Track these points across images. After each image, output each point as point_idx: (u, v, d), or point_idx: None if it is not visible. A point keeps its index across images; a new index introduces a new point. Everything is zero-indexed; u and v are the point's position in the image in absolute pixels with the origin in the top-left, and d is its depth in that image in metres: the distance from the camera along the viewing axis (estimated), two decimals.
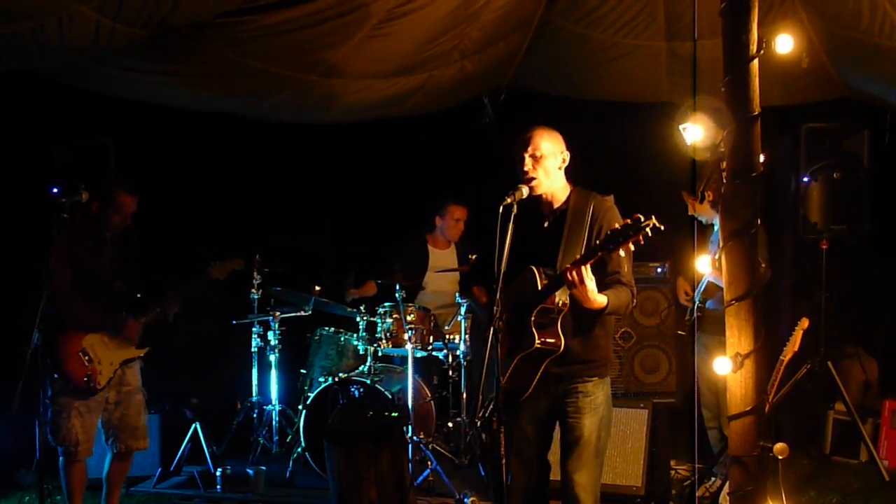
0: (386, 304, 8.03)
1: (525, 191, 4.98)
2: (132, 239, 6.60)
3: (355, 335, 8.20)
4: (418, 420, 7.67)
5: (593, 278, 4.75)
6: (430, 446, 7.58)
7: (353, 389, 7.71)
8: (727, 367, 4.67)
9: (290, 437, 8.43)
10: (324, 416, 7.49)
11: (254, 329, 8.57)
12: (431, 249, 9.00)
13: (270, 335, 8.51)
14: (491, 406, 4.98)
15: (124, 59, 6.61)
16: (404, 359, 7.84)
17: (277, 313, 8.48)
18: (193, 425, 7.93)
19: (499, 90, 8.82)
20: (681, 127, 5.73)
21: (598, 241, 4.79)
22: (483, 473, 7.56)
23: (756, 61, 4.55)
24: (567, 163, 5.15)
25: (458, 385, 8.14)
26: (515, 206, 4.84)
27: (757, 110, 4.57)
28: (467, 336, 7.93)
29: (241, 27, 6.26)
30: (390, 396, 7.64)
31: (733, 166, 4.63)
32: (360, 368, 8.02)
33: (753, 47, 4.53)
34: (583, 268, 4.69)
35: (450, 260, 8.93)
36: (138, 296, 6.55)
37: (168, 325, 6.65)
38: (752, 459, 4.68)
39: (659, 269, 7.99)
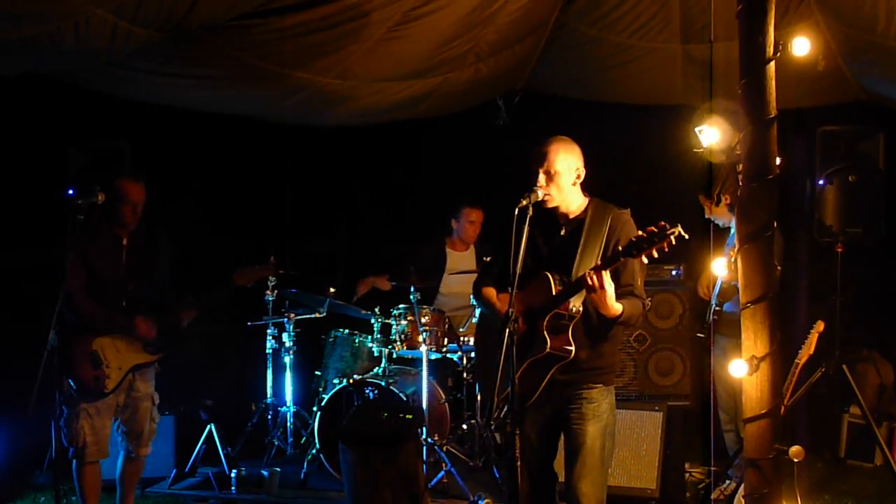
0: (401, 306, 8.04)
1: (540, 193, 4.98)
2: (160, 242, 6.56)
3: (370, 337, 8.21)
4: (433, 422, 7.67)
5: (612, 284, 4.76)
6: (444, 448, 7.59)
7: (367, 391, 7.71)
8: (743, 369, 4.66)
9: (304, 438, 8.44)
10: (338, 417, 7.51)
11: (269, 331, 8.57)
12: (449, 252, 9.00)
13: (285, 337, 8.51)
14: (505, 408, 4.97)
15: (140, 61, 6.63)
16: (419, 361, 7.85)
17: (292, 315, 8.48)
18: (208, 427, 7.94)
19: (514, 93, 8.83)
20: (696, 129, 5.72)
21: (620, 248, 4.79)
22: (497, 476, 7.55)
23: (772, 64, 4.54)
24: (582, 178, 5.15)
25: (473, 387, 8.13)
26: (531, 209, 4.85)
27: (773, 113, 4.57)
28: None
29: (256, 30, 6.27)
30: (405, 398, 7.64)
31: (749, 169, 4.63)
32: (375, 370, 8.03)
33: (770, 50, 4.53)
34: (603, 273, 4.70)
35: (468, 262, 8.92)
36: (153, 300, 6.44)
37: (180, 331, 6.59)
38: (768, 462, 4.67)
39: (674, 272, 7.96)
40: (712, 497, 6.42)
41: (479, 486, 7.35)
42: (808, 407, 7.99)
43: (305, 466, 7.79)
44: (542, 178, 5.03)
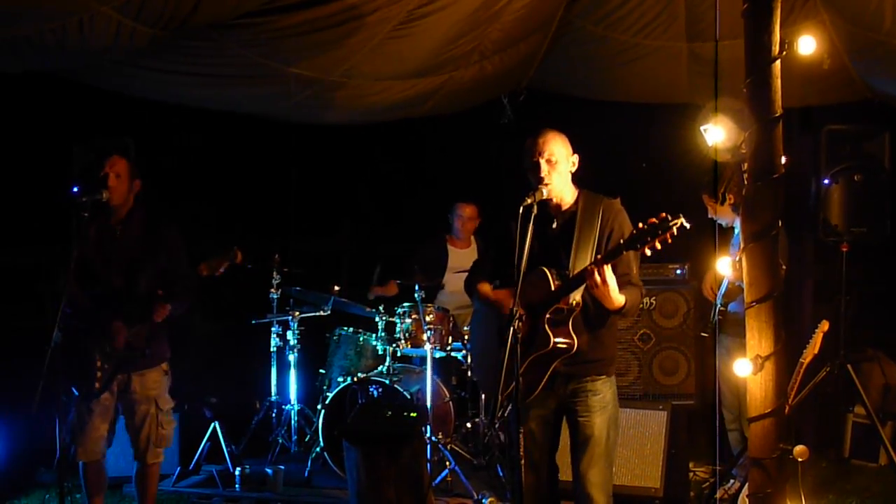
0: (405, 304, 8.04)
1: (545, 191, 4.99)
2: (161, 235, 6.32)
3: (374, 335, 8.20)
4: (437, 420, 7.67)
5: (614, 277, 4.77)
6: (448, 446, 7.59)
7: (371, 389, 7.72)
8: (747, 368, 4.65)
9: (308, 436, 8.44)
10: (342, 415, 7.51)
11: (273, 329, 8.57)
12: (451, 249, 9.01)
13: (289, 335, 8.51)
14: (509, 406, 4.98)
15: (145, 59, 6.63)
16: (423, 359, 7.85)
17: (297, 313, 8.48)
18: (212, 424, 7.94)
19: (518, 91, 8.82)
20: (702, 128, 5.72)
21: (622, 240, 4.80)
22: (501, 474, 7.55)
23: (778, 62, 4.53)
24: (576, 166, 5.16)
25: (477, 386, 8.12)
26: (535, 207, 4.86)
27: (779, 112, 4.56)
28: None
29: (260, 28, 6.27)
30: (409, 396, 7.64)
31: (755, 168, 4.62)
32: (379, 368, 8.02)
33: (775, 48, 4.52)
34: (605, 267, 4.71)
35: (470, 259, 8.90)
36: (139, 296, 6.16)
37: (158, 328, 6.44)
38: (772, 461, 4.66)
39: (678, 271, 7.97)
40: (716, 496, 6.43)
41: (483, 484, 7.35)
42: (812, 406, 8.00)
43: (309, 465, 7.79)
44: (544, 166, 5.03)
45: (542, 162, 5.05)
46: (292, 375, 8.52)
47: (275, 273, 8.34)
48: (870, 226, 7.77)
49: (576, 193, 5.21)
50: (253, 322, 8.60)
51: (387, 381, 7.71)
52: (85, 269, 6.11)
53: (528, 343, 4.90)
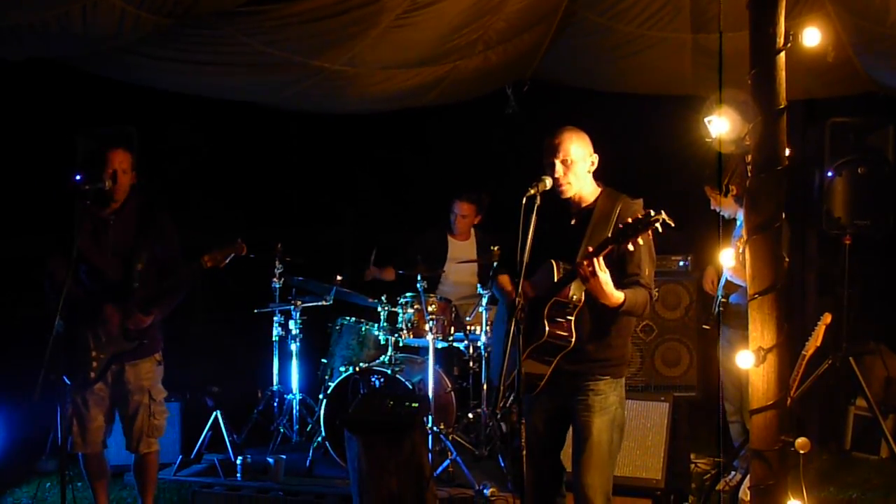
0: (407, 294, 8.03)
1: (549, 182, 4.98)
2: (158, 225, 6.32)
3: (376, 325, 8.20)
4: (438, 411, 7.67)
5: (607, 271, 4.75)
6: (450, 437, 7.59)
7: (373, 379, 7.71)
8: (749, 361, 4.65)
9: (310, 426, 8.45)
10: (344, 405, 7.51)
11: (275, 318, 8.57)
12: (451, 240, 9.01)
13: (292, 324, 8.51)
14: (511, 397, 4.98)
15: (148, 47, 6.61)
16: (425, 349, 7.85)
17: (299, 303, 8.47)
18: (214, 413, 7.95)
19: (522, 82, 8.80)
20: (706, 120, 5.71)
21: (608, 235, 4.79)
22: (503, 465, 7.55)
23: (783, 54, 4.53)
24: (595, 166, 5.15)
25: (479, 376, 8.12)
26: (539, 198, 4.85)
27: (783, 103, 4.56)
28: (488, 327, 7.90)
29: (264, 16, 6.25)
30: (411, 387, 7.64)
31: (759, 160, 4.62)
32: (381, 358, 8.02)
33: (780, 40, 4.51)
34: (595, 260, 4.69)
35: (469, 251, 8.94)
36: (135, 286, 6.19)
37: (180, 316, 6.43)
38: (774, 454, 4.67)
39: (681, 263, 7.97)
40: (718, 488, 6.42)
41: (485, 475, 7.36)
42: (814, 399, 8.00)
43: (311, 454, 7.79)
44: (559, 168, 5.03)
45: (558, 163, 5.04)
46: (294, 365, 8.52)
47: (277, 262, 8.34)
48: (873, 219, 7.77)
49: (597, 191, 5.20)
50: (255, 311, 8.60)
51: (389, 372, 7.71)
52: (82, 262, 6.09)
53: (529, 335, 4.89)
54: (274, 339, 8.59)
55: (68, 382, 6.03)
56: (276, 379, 8.62)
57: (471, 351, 8.16)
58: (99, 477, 6.39)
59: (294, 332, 8.51)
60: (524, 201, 4.82)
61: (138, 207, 6.33)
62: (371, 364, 7.90)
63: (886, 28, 6.52)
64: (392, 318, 8.11)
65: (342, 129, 9.69)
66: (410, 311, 7.96)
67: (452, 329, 7.98)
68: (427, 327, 7.73)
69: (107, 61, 6.98)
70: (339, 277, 8.44)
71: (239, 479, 7.48)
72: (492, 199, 9.02)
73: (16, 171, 8.72)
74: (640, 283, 5.02)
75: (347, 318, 8.51)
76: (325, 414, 7.74)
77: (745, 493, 5.60)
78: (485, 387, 7.93)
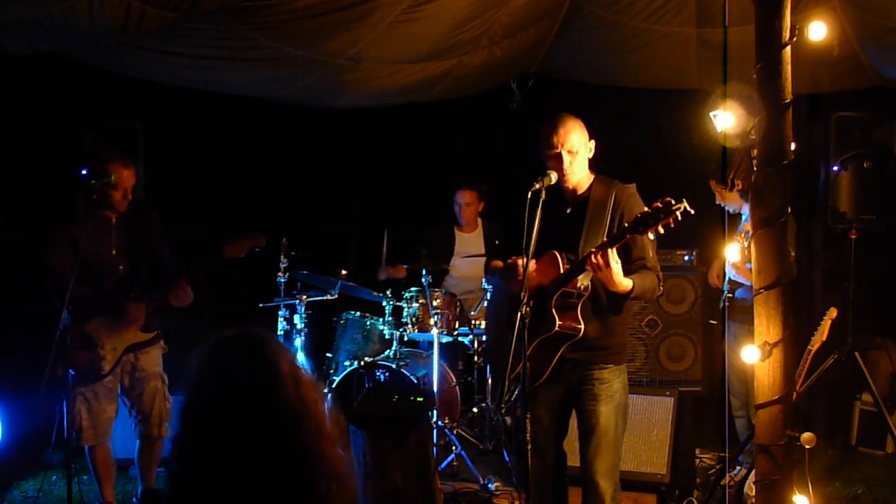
0: (412, 288, 8.04)
1: (554, 176, 5.00)
2: (151, 219, 6.45)
3: (381, 319, 8.21)
4: (443, 405, 7.68)
5: (619, 261, 4.76)
6: (454, 431, 7.60)
7: (378, 374, 7.72)
8: (755, 355, 4.65)
9: None
10: (349, 399, 7.50)
11: (280, 312, 8.55)
12: (458, 234, 9.00)
13: (297, 319, 8.49)
14: (516, 390, 4.99)
15: (154, 42, 6.62)
16: (430, 344, 7.85)
17: (304, 297, 8.46)
18: None
19: (527, 76, 8.79)
20: (711, 114, 5.70)
21: (626, 224, 4.79)
22: (507, 459, 7.56)
23: (788, 48, 4.52)
24: (593, 151, 5.16)
25: (484, 370, 8.13)
26: (544, 192, 4.85)
27: (789, 98, 4.55)
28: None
29: (270, 11, 6.25)
30: (416, 381, 7.65)
31: (764, 154, 4.61)
32: (386, 353, 8.03)
33: (786, 34, 4.51)
34: (609, 251, 4.70)
35: (476, 243, 8.93)
36: (144, 279, 6.34)
37: (174, 309, 6.45)
38: (779, 448, 4.67)
39: (686, 257, 7.95)
40: (723, 483, 6.42)
41: (489, 469, 7.37)
42: (820, 394, 7.99)
43: None
44: (566, 157, 5.03)
45: (565, 153, 5.05)
46: (299, 359, 8.51)
47: (282, 257, 8.33)
48: (878, 213, 7.76)
49: (591, 179, 5.22)
50: (260, 305, 8.60)
51: (393, 366, 7.72)
52: (83, 259, 6.05)
53: (535, 326, 4.90)
54: (279, 333, 8.58)
55: (71, 373, 6.07)
56: None
57: (475, 345, 8.16)
58: (107, 469, 6.43)
59: (299, 326, 8.49)
60: (529, 196, 4.82)
61: (136, 205, 6.41)
62: (376, 358, 7.91)
63: (892, 22, 6.52)
64: (397, 312, 8.11)
65: (347, 123, 9.69)
66: (415, 305, 7.96)
67: (457, 323, 7.99)
68: (432, 322, 7.73)
69: (112, 56, 6.98)
70: (344, 272, 8.43)
71: None
72: (492, 188, 9.01)
73: (21, 165, 8.73)
74: (647, 266, 5.04)
75: (352, 312, 8.52)
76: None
77: (750, 487, 5.61)
78: (489, 381, 7.93)
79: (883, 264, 8.75)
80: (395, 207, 10.64)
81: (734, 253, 6.48)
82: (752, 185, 4.74)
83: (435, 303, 7.80)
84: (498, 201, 8.98)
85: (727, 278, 7.04)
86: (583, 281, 4.93)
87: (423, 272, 7.76)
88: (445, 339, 7.96)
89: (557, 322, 4.94)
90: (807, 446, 4.91)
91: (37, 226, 7.62)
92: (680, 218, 4.59)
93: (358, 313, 8.48)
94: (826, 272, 8.61)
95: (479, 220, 9.08)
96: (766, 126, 4.58)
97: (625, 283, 4.86)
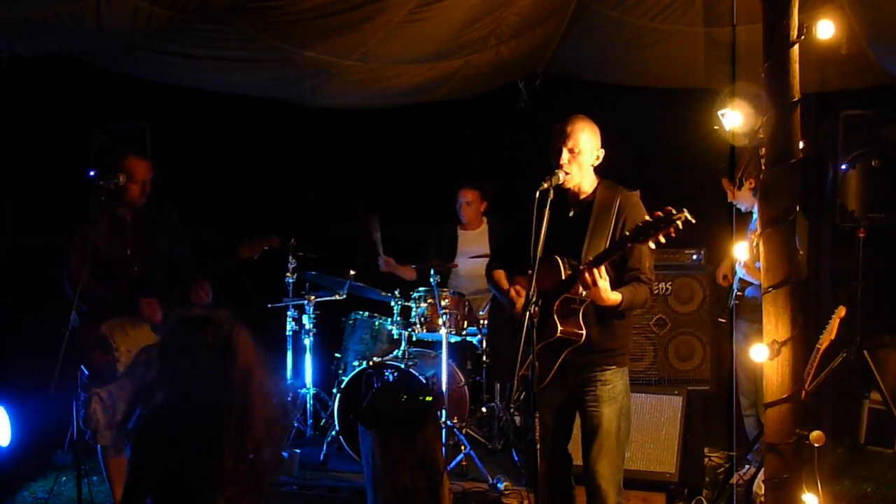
0: (420, 288, 8.03)
1: (561, 176, 4.99)
2: (168, 218, 6.45)
3: (390, 320, 8.21)
4: (452, 405, 7.68)
5: (606, 279, 4.77)
6: (463, 431, 7.59)
7: (387, 374, 7.72)
8: (764, 354, 4.65)
9: (324, 420, 8.46)
10: (358, 400, 7.51)
11: (288, 313, 8.57)
12: (461, 233, 8.96)
13: (305, 319, 8.51)
14: (524, 391, 5.00)
15: (161, 43, 6.63)
16: (438, 344, 7.84)
17: (312, 297, 8.48)
18: None
19: (535, 75, 8.79)
20: (719, 113, 5.71)
21: (627, 233, 4.79)
22: (516, 458, 7.56)
23: (796, 47, 4.52)
24: (600, 160, 5.16)
25: (492, 371, 8.12)
26: (552, 192, 4.85)
27: (797, 96, 4.55)
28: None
29: (278, 11, 6.26)
30: (424, 381, 7.64)
31: (772, 153, 4.61)
32: (395, 353, 8.02)
33: (794, 33, 4.51)
34: (595, 271, 4.70)
35: (480, 239, 8.91)
36: (161, 279, 6.35)
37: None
38: (788, 447, 4.67)
39: (695, 256, 7.95)
40: (732, 482, 6.42)
41: (498, 468, 7.36)
42: (828, 392, 7.98)
43: (325, 448, 7.81)
44: (565, 154, 5.03)
45: (565, 150, 5.04)
46: (308, 359, 8.53)
47: (290, 257, 8.34)
48: (887, 212, 7.75)
49: (595, 183, 5.21)
50: (269, 306, 8.61)
51: (402, 366, 7.71)
52: (98, 258, 6.11)
53: (538, 330, 4.88)
54: (287, 333, 8.60)
55: (86, 373, 6.09)
56: (289, 373, 8.63)
57: (484, 345, 8.15)
58: (119, 470, 6.42)
59: (307, 326, 8.51)
60: (537, 196, 4.82)
61: (153, 204, 6.39)
62: (384, 358, 7.91)
63: None
64: (405, 312, 8.11)
65: (355, 123, 9.70)
66: (424, 305, 7.95)
67: (465, 323, 7.98)
68: (440, 321, 7.73)
69: (120, 57, 7.00)
70: (352, 272, 8.44)
71: None
72: (496, 187, 9.00)
73: (30, 167, 8.75)
74: (641, 278, 5.05)
75: (361, 312, 8.52)
76: (338, 408, 7.75)
77: (759, 486, 5.61)
78: (495, 381, 7.93)
79: (891, 263, 8.73)
80: (403, 207, 10.64)
81: (743, 252, 6.48)
82: (760, 183, 4.74)
83: (443, 303, 7.79)
84: (506, 201, 8.97)
85: (737, 277, 7.04)
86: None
87: (432, 272, 7.76)
88: (454, 339, 7.96)
89: (559, 328, 4.94)
90: (816, 445, 4.90)
91: (46, 227, 7.66)
92: (681, 227, 4.58)
93: (366, 313, 8.48)
94: (834, 271, 8.60)
95: (484, 219, 9.06)
96: (774, 125, 4.58)
97: (613, 297, 4.87)
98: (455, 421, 7.58)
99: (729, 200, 7.04)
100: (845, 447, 8.19)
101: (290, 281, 8.45)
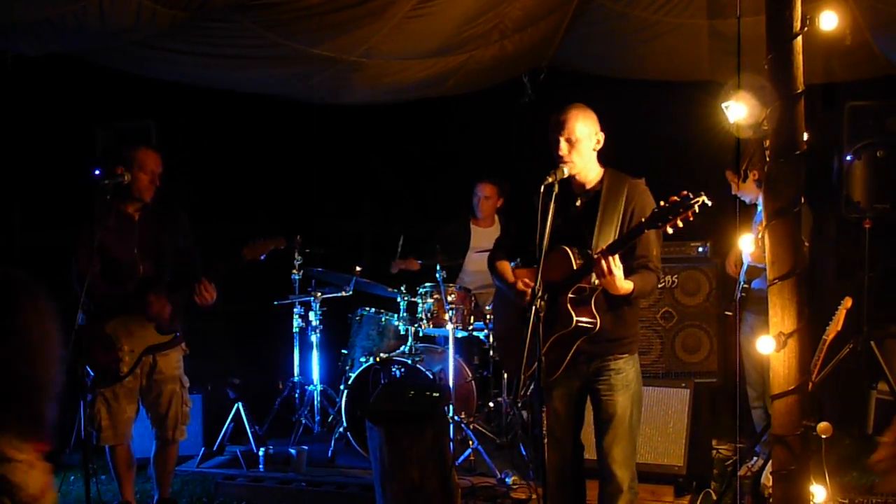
0: (427, 284, 8.04)
1: (566, 170, 4.98)
2: (176, 218, 6.42)
3: (396, 315, 8.21)
4: (459, 400, 7.69)
5: (621, 266, 4.77)
6: (471, 426, 7.60)
7: (394, 369, 7.72)
8: (770, 346, 4.65)
9: (331, 416, 8.47)
10: (365, 396, 7.52)
11: (295, 310, 8.59)
12: (474, 228, 8.99)
13: (312, 316, 8.52)
14: (532, 385, 5.00)
15: (165, 41, 6.64)
16: (445, 339, 7.85)
17: (319, 294, 8.49)
18: (236, 405, 7.98)
19: (539, 70, 8.80)
20: (723, 105, 5.70)
21: (643, 220, 4.78)
22: (524, 453, 7.56)
23: (800, 38, 4.51)
24: (601, 144, 5.14)
25: (499, 365, 8.13)
26: (557, 186, 4.84)
27: (801, 88, 4.54)
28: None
29: (281, 8, 6.27)
30: (431, 376, 7.65)
31: (777, 144, 4.60)
32: (402, 348, 8.03)
33: (797, 24, 4.50)
34: (611, 259, 4.70)
35: (492, 238, 8.85)
36: (167, 279, 6.29)
37: (196, 309, 6.45)
38: (795, 439, 4.66)
39: (700, 249, 7.96)
40: (739, 474, 6.42)
41: (506, 463, 7.37)
42: (835, 383, 7.96)
43: (333, 445, 7.82)
44: (563, 145, 5.02)
45: (562, 140, 5.03)
46: (315, 356, 8.54)
47: (297, 254, 8.35)
48: (892, 202, 7.73)
49: (601, 172, 5.20)
50: (275, 303, 8.63)
51: (409, 361, 7.72)
52: (105, 256, 6.12)
53: (549, 322, 4.87)
54: (294, 330, 8.61)
55: (92, 374, 6.10)
56: (297, 370, 8.64)
57: (491, 340, 8.16)
58: (127, 469, 6.45)
59: (314, 323, 8.52)
60: (542, 189, 4.81)
61: (161, 202, 6.39)
62: (391, 354, 7.92)
63: None
64: (412, 308, 8.12)
65: (360, 119, 9.70)
66: (430, 300, 7.96)
67: (472, 318, 7.98)
68: (447, 317, 7.74)
69: (124, 55, 7.01)
70: (358, 268, 8.44)
71: (262, 470, 7.52)
72: (510, 186, 9.01)
73: (37, 165, 8.77)
74: (649, 266, 5.03)
75: (367, 308, 8.52)
76: (346, 404, 7.76)
77: (767, 478, 5.60)
78: (505, 375, 7.94)
79: None
80: (409, 203, 10.65)
81: (749, 244, 6.47)
82: (765, 175, 4.74)
83: (449, 298, 7.79)
84: (511, 195, 8.98)
85: (744, 269, 7.04)
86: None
87: (438, 268, 7.76)
88: (461, 334, 7.97)
89: (575, 318, 4.93)
90: (823, 436, 4.90)
91: (52, 226, 7.67)
92: (698, 211, 4.58)
93: (373, 309, 8.48)
94: (840, 261, 8.59)
95: (496, 217, 9.07)
96: (778, 116, 4.57)
97: (626, 286, 4.86)
98: (463, 416, 7.59)
99: (733, 193, 7.04)
100: (853, 438, 8.17)
101: (297, 278, 8.46)
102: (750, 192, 6.95)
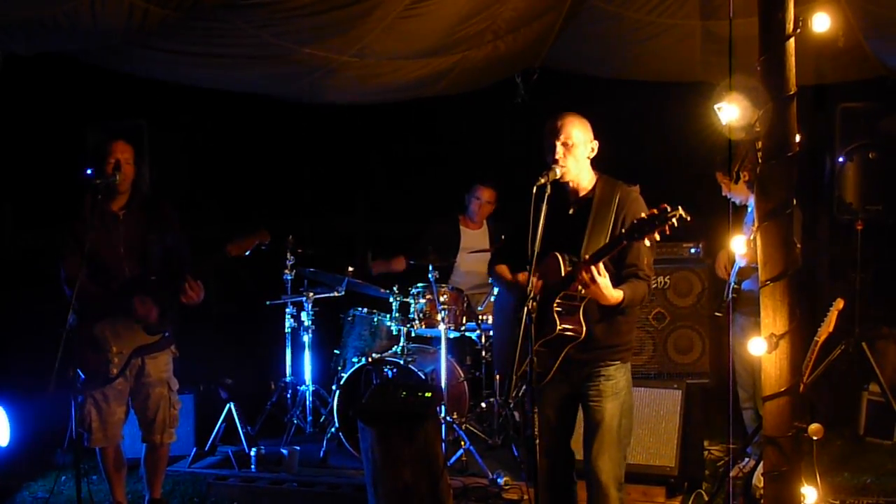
0: (419, 284, 8.03)
1: (558, 171, 4.98)
2: (163, 216, 6.34)
3: (388, 316, 8.21)
4: (451, 400, 7.68)
5: (606, 275, 4.77)
6: (463, 427, 7.60)
7: (386, 370, 7.72)
8: (762, 347, 4.65)
9: (323, 417, 8.47)
10: (357, 396, 7.52)
11: (287, 310, 8.59)
12: (463, 230, 8.99)
13: (304, 316, 8.52)
14: (524, 387, 5.00)
15: (157, 40, 6.62)
16: (437, 339, 7.85)
17: (311, 294, 8.49)
18: (228, 405, 7.96)
19: (532, 70, 8.79)
20: (716, 106, 5.70)
21: (622, 231, 4.79)
22: (516, 454, 7.57)
23: (792, 40, 4.52)
24: (595, 152, 5.15)
25: (491, 366, 8.13)
26: (549, 187, 4.85)
27: (793, 89, 4.54)
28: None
29: (272, 8, 6.25)
30: (423, 377, 7.65)
31: (769, 146, 4.60)
32: (394, 349, 8.03)
33: (790, 26, 4.50)
34: (593, 268, 4.70)
35: (481, 240, 8.92)
36: (153, 278, 6.23)
37: (183, 309, 6.42)
38: (787, 440, 4.66)
39: (693, 250, 7.95)
40: (731, 475, 6.42)
41: (498, 464, 7.37)
42: (827, 384, 7.98)
43: (325, 445, 7.82)
44: (559, 149, 5.01)
45: (559, 145, 5.03)
46: (307, 356, 8.54)
47: (289, 254, 8.34)
48: (884, 204, 7.76)
49: (594, 178, 5.20)
50: (267, 303, 8.62)
51: (401, 362, 7.72)
52: (91, 256, 6.04)
53: (539, 326, 4.87)
54: (286, 330, 8.61)
55: (82, 376, 6.08)
56: (289, 370, 8.64)
57: (483, 340, 8.17)
58: (117, 469, 6.44)
59: (306, 323, 8.52)
60: (534, 191, 4.81)
61: (146, 200, 6.37)
62: (384, 354, 7.92)
63: None
64: (404, 308, 8.12)
65: (353, 119, 9.70)
66: (422, 301, 7.96)
67: (464, 319, 7.98)
68: (439, 317, 7.73)
69: (116, 55, 6.99)
70: (350, 269, 8.44)
71: (253, 470, 7.51)
72: (494, 182, 9.02)
73: (29, 164, 8.75)
74: (639, 275, 5.03)
75: (359, 308, 8.51)
76: (338, 405, 7.76)
77: (758, 479, 5.60)
78: (497, 376, 7.93)
79: (889, 254, 8.75)
80: (401, 203, 10.64)
81: (740, 245, 6.48)
82: (756, 177, 4.74)
83: (442, 298, 7.79)
84: (503, 196, 8.98)
85: (735, 270, 7.04)
86: None
87: (430, 268, 7.76)
88: (453, 335, 7.97)
89: (558, 325, 4.93)
90: (814, 437, 4.91)
91: (44, 225, 7.66)
92: (676, 224, 4.58)
93: (365, 310, 8.48)
94: (832, 263, 8.61)
95: (485, 220, 9.08)
96: (770, 118, 4.57)
97: (614, 295, 4.86)
98: (454, 416, 7.59)
99: (723, 194, 7.04)
100: (844, 439, 8.20)
101: (289, 278, 8.45)
102: (741, 193, 6.95)
